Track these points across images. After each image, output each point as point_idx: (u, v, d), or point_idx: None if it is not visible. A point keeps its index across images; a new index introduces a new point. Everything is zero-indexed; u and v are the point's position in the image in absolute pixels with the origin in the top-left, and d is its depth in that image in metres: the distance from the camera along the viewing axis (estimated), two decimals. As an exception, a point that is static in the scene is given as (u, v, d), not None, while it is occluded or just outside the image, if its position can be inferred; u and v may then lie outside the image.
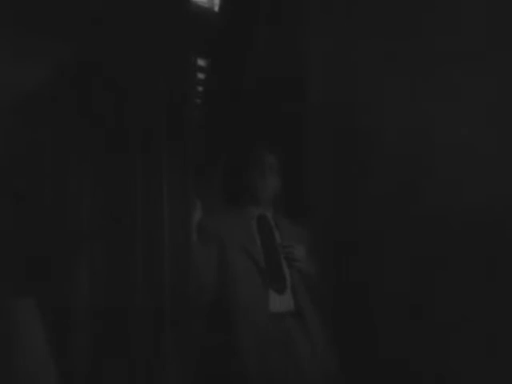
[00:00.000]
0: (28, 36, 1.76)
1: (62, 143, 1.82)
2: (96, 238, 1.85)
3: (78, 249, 1.82)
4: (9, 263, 1.70)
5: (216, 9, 2.66)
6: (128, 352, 1.87)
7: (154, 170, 1.99)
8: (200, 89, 2.71)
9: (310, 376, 2.19)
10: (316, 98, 2.79)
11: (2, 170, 1.72)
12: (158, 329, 1.92)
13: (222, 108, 2.64)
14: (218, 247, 2.31)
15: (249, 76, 2.67)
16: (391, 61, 2.63)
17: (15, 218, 1.74)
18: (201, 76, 2.71)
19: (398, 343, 2.54)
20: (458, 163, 2.48)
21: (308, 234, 2.51)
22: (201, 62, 2.69)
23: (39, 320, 1.65)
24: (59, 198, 1.82)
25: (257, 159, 2.46)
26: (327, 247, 2.61)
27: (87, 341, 1.81)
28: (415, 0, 2.61)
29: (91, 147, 1.87)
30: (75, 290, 1.80)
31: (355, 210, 2.72)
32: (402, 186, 2.61)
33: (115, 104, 1.93)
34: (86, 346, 1.80)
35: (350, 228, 2.71)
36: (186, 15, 2.16)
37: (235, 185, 2.52)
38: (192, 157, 2.08)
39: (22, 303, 1.65)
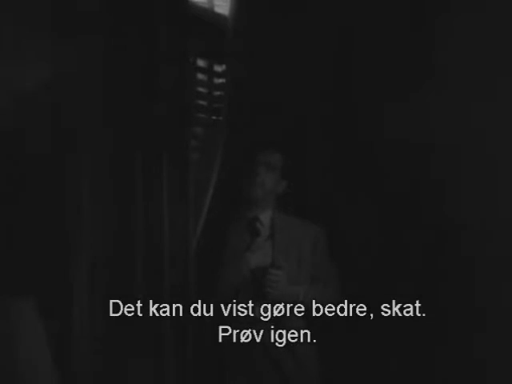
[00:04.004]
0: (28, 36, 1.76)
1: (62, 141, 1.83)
2: (96, 238, 1.85)
3: (78, 248, 1.82)
4: (8, 263, 1.70)
5: (216, 9, 2.66)
6: (128, 352, 1.88)
7: (154, 169, 2.00)
8: (200, 89, 2.71)
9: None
10: (317, 97, 2.79)
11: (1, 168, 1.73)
12: (158, 328, 1.93)
13: (226, 108, 2.62)
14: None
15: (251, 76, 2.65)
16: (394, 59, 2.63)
17: (14, 217, 1.74)
18: (201, 76, 2.71)
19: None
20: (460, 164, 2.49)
21: (314, 234, 2.48)
22: (200, 63, 2.69)
23: (39, 320, 1.65)
24: (59, 197, 1.82)
25: (249, 158, 2.42)
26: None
27: (87, 341, 1.81)
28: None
29: (91, 146, 1.87)
30: (75, 290, 1.80)
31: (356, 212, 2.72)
32: (403, 186, 2.61)
33: (114, 104, 1.93)
34: (86, 346, 1.80)
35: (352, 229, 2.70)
36: (186, 15, 2.16)
37: (232, 185, 2.51)
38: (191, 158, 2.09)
39: (22, 303, 1.65)
